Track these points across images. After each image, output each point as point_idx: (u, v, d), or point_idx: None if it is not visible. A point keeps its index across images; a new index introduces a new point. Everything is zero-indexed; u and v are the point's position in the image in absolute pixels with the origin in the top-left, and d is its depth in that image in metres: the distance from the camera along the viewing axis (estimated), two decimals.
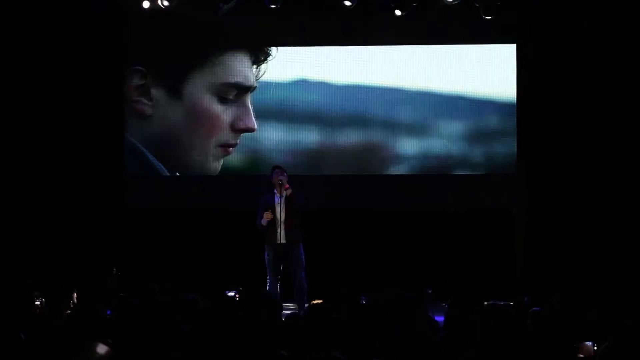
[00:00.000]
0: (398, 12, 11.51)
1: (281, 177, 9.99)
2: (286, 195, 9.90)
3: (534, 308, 6.62)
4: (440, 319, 7.75)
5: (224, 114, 11.86)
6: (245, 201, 11.38)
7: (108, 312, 7.43)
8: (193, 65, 11.92)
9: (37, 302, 6.85)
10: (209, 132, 11.84)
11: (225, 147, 11.87)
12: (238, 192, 11.80)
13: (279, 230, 9.91)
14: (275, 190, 10.04)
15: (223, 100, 11.85)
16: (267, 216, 9.89)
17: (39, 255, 11.70)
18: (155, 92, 11.91)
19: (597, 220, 11.57)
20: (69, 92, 11.92)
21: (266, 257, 9.99)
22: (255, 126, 11.83)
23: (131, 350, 5.60)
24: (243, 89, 11.88)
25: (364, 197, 11.97)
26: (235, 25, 11.88)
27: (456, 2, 11.24)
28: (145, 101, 11.89)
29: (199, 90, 11.89)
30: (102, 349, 4.05)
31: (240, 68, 11.91)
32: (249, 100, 11.90)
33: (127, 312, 6.54)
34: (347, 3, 11.36)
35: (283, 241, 9.91)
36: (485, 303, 6.83)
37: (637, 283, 10.78)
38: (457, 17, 11.71)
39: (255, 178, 11.68)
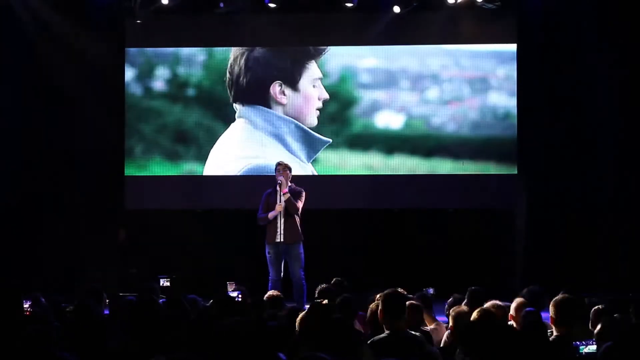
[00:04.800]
0: (397, 9, 11.47)
1: (280, 178, 9.97)
2: (283, 201, 9.92)
3: (529, 308, 6.59)
4: (442, 319, 7.75)
5: None
6: (246, 201, 11.39)
7: (106, 312, 7.44)
8: None
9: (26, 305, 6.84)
10: None
11: None
12: (238, 192, 11.78)
13: (278, 230, 9.92)
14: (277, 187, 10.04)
15: None
16: (278, 208, 9.89)
17: (38, 256, 11.71)
18: None
19: (597, 219, 11.56)
20: (68, 91, 11.94)
21: (267, 255, 10.01)
22: None
23: (131, 349, 5.59)
24: None
25: (364, 197, 11.95)
26: (235, 25, 11.88)
27: (456, 2, 11.22)
28: None
29: None
30: None
31: None
32: None
33: (127, 311, 6.54)
34: (349, 5, 11.33)
35: (282, 240, 9.91)
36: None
37: (636, 281, 10.77)
38: (458, 17, 11.71)
39: (255, 178, 11.68)
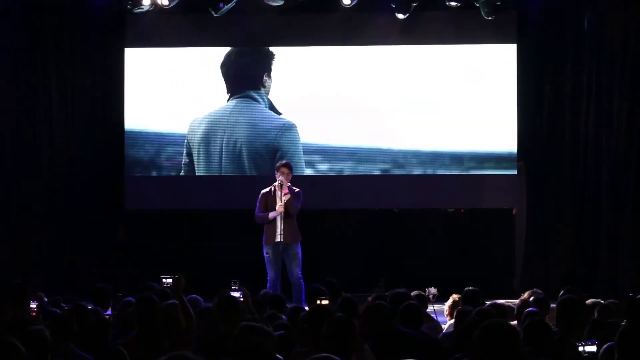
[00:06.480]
0: (400, 16, 11.45)
1: (280, 179, 9.96)
2: (284, 201, 9.90)
3: (530, 309, 6.60)
4: (442, 319, 7.77)
5: None
6: (246, 201, 11.38)
7: (108, 312, 7.44)
8: None
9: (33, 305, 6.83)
10: None
11: None
12: (238, 192, 11.78)
13: (278, 230, 9.91)
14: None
15: None
16: (279, 209, 9.87)
17: (38, 256, 11.71)
18: None
19: (598, 219, 11.55)
20: (68, 90, 11.96)
21: (265, 255, 10.00)
22: None
23: (131, 349, 5.60)
24: None
25: (364, 197, 11.94)
26: (235, 25, 11.88)
27: (457, 4, 11.24)
28: None
29: None
30: None
31: None
32: None
33: (127, 311, 6.55)
34: (346, 2, 11.34)
35: (281, 240, 9.91)
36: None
37: (636, 282, 10.77)
38: (457, 17, 11.71)
39: (256, 178, 11.69)
